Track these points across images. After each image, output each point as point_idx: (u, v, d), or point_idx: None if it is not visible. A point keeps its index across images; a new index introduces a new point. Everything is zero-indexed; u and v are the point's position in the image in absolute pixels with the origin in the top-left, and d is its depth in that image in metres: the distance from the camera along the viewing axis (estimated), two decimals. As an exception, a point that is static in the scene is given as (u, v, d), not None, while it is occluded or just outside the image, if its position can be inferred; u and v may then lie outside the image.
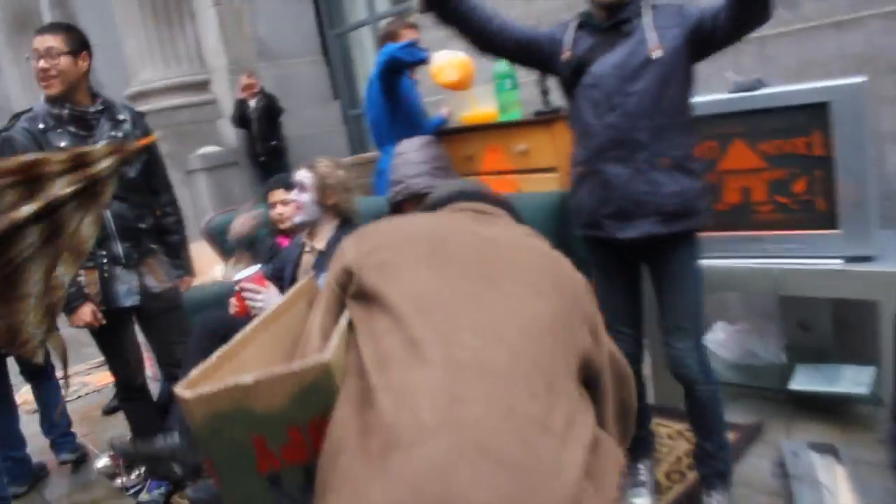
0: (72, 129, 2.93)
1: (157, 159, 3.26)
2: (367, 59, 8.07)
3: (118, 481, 3.47)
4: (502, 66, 3.74)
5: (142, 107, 7.78)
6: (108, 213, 3.03)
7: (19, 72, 11.81)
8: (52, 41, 2.86)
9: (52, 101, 2.94)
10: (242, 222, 3.48)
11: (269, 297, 2.67)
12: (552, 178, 3.50)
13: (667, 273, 2.33)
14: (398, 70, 3.77)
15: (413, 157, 2.95)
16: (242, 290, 2.69)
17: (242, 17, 8.00)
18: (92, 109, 3.02)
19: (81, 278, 3.06)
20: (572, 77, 2.32)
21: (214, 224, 4.21)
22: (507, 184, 3.73)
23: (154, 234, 3.20)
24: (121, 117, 3.10)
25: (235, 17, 7.99)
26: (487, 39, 2.37)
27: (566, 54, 2.32)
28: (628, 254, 2.41)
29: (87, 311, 3.05)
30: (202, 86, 8.26)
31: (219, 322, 2.99)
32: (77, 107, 2.98)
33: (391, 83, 3.83)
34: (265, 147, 7.69)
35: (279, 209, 3.63)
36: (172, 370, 3.28)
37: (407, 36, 3.95)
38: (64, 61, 2.92)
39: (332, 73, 8.56)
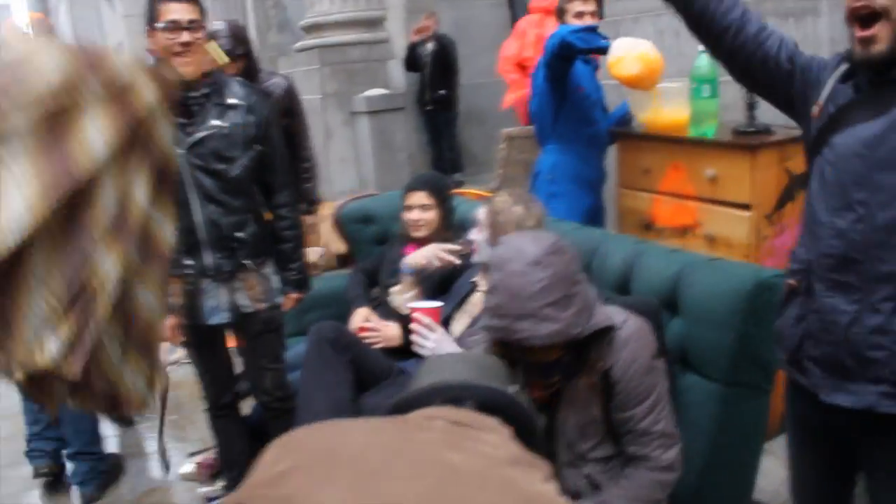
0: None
1: (275, 149, 2.74)
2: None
3: (200, 490, 3.14)
4: (703, 62, 3.01)
5: (317, 39, 7.68)
6: (199, 218, 2.59)
7: None
8: (194, 13, 2.47)
9: None
10: (424, 255, 2.96)
11: (441, 342, 2.40)
12: (742, 216, 2.86)
13: (888, 476, 1.58)
14: (570, 58, 3.17)
15: (521, 282, 1.74)
16: (416, 321, 2.43)
17: None
18: (194, 93, 2.54)
19: None
20: (815, 143, 1.66)
21: (346, 211, 3.75)
22: (685, 211, 3.11)
23: (256, 244, 2.73)
24: (231, 101, 2.62)
25: None
26: (714, 36, 1.76)
27: (816, 108, 1.65)
28: (841, 425, 1.67)
29: (166, 325, 2.65)
30: (377, 23, 7.90)
31: (337, 331, 2.65)
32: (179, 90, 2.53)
33: (560, 72, 3.23)
34: (434, 95, 7.24)
35: (416, 215, 3.11)
36: (262, 397, 2.86)
37: (576, 8, 3.33)
38: (203, 36, 2.51)
39: (516, 19, 7.90)
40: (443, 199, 3.15)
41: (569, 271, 1.74)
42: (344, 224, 3.74)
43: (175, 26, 2.43)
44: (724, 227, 2.92)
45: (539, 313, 1.67)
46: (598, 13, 3.43)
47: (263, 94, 2.85)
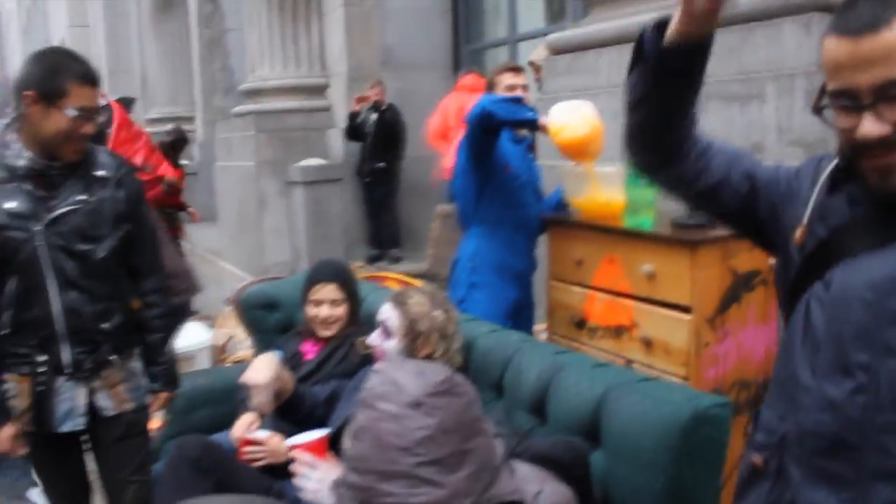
0: (28, 186, 2.22)
1: (146, 228, 2.43)
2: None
3: None
4: None
5: (255, 105, 7.57)
6: (57, 307, 2.23)
7: (157, 48, 11.65)
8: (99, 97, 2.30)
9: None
10: (264, 383, 2.46)
11: (326, 480, 1.76)
12: (682, 319, 2.56)
13: None
14: (493, 131, 2.91)
15: (394, 428, 1.32)
16: (296, 461, 1.90)
17: (371, 21, 7.36)
18: (56, 162, 2.23)
19: (9, 386, 2.23)
20: (800, 276, 1.24)
21: (248, 295, 3.37)
22: (621, 310, 2.80)
23: (122, 336, 2.36)
24: (100, 173, 2.30)
25: (363, 21, 7.36)
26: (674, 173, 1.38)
27: (799, 232, 1.25)
28: None
29: (3, 435, 2.21)
30: (319, 90, 7.74)
31: (202, 450, 2.26)
32: (41, 158, 2.23)
33: (483, 147, 2.97)
34: (374, 166, 6.95)
35: (326, 311, 2.77)
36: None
37: (506, 81, 3.10)
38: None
39: (461, 93, 7.75)
40: (353, 291, 2.81)
41: (463, 419, 1.32)
42: (245, 310, 3.35)
43: (87, 115, 2.19)
44: (662, 330, 2.62)
45: (415, 473, 1.26)
46: (527, 88, 3.18)
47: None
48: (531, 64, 4.57)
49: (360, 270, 6.47)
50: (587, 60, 3.55)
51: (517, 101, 2.87)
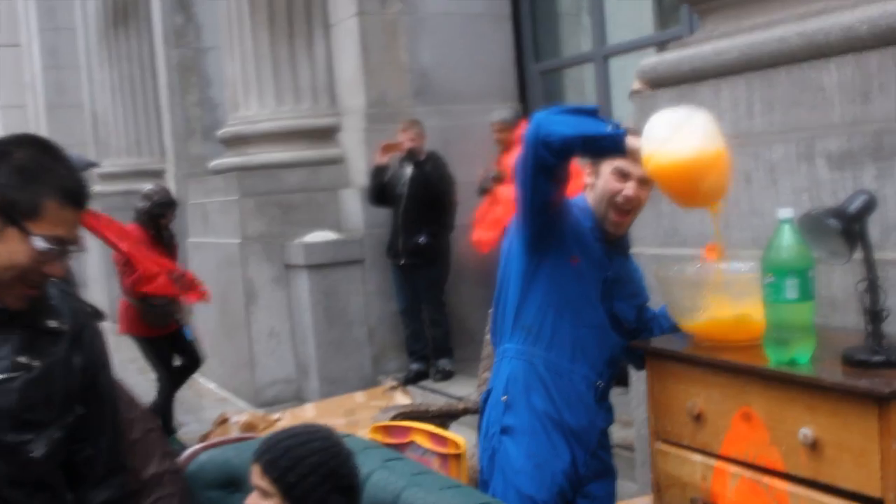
0: None
1: (106, 410, 2.46)
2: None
3: None
4: (787, 236, 2.57)
5: (238, 157, 7.70)
6: None
7: (110, 77, 11.91)
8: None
9: None
10: None
11: None
12: None
13: None
14: (553, 164, 2.79)
15: None
16: None
17: (397, 34, 7.43)
18: None
19: None
20: None
21: (197, 467, 3.18)
22: (765, 496, 2.64)
23: None
24: (51, 324, 2.31)
25: (387, 35, 7.44)
26: None
27: None
28: None
29: None
30: (326, 134, 7.81)
31: None
32: None
33: (539, 195, 2.88)
34: (411, 242, 6.85)
35: (253, 501, 2.64)
36: None
37: (618, 164, 2.97)
38: None
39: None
40: (291, 487, 2.62)
41: None
42: (194, 490, 3.15)
43: (60, 249, 2.17)
44: None
45: None
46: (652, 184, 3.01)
47: (94, 311, 2.62)
48: (635, 94, 4.36)
49: (391, 395, 6.29)
50: (701, 95, 3.40)
51: (591, 111, 2.75)
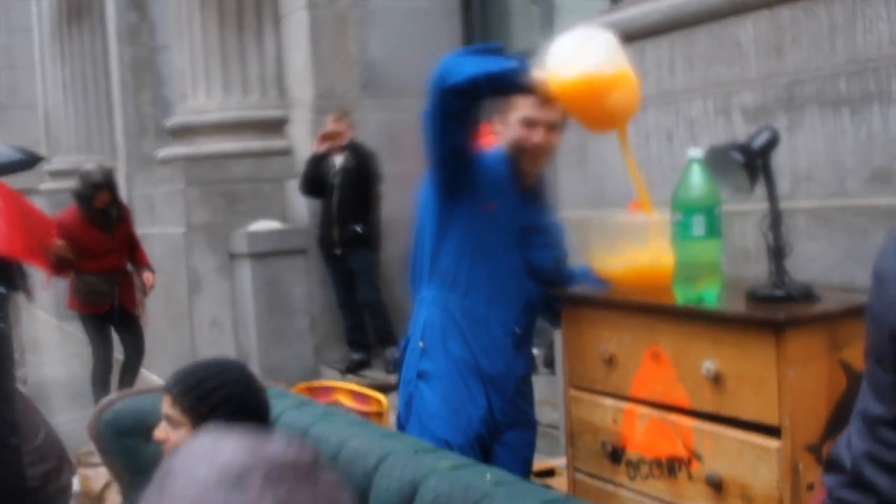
0: None
1: None
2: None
3: None
4: (696, 178, 2.63)
5: (184, 148, 7.71)
6: None
7: (62, 74, 11.85)
8: None
9: None
10: None
11: None
12: (768, 447, 2.44)
13: None
14: (461, 109, 2.77)
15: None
16: None
17: (347, 27, 7.45)
18: None
19: None
20: None
21: (111, 416, 3.15)
22: (672, 434, 2.68)
23: None
24: None
25: (336, 27, 7.45)
26: None
27: None
28: None
29: None
30: (274, 125, 7.82)
31: None
32: None
33: (448, 145, 2.87)
34: (345, 232, 6.81)
35: (160, 432, 2.62)
36: None
37: (526, 113, 2.98)
38: None
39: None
40: (202, 417, 2.61)
41: None
42: (106, 438, 3.14)
43: None
44: (738, 465, 2.49)
45: None
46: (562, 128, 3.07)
47: None
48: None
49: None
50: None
51: (494, 49, 2.77)
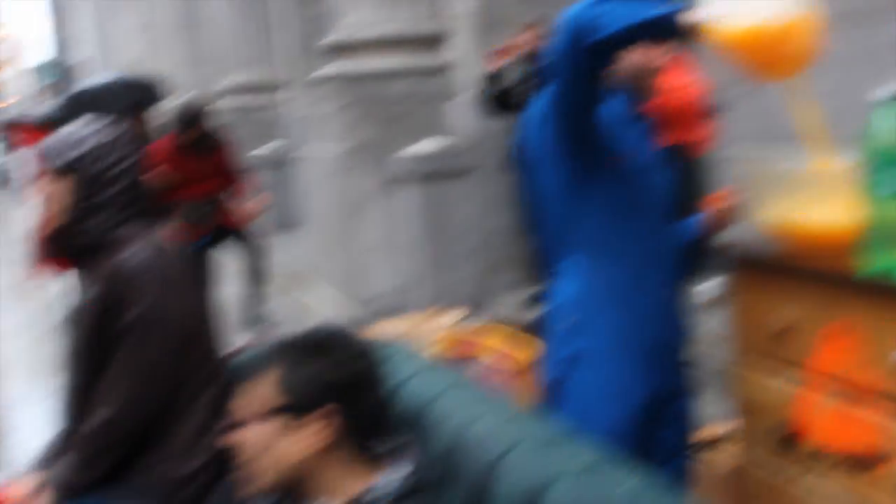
0: None
1: None
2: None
3: None
4: (889, 121, 2.29)
5: (340, 66, 7.63)
6: None
7: None
8: None
9: None
10: None
11: None
12: None
13: None
14: (598, 60, 2.45)
15: None
16: None
17: None
18: None
19: None
20: None
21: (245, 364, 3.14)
22: (860, 424, 2.41)
23: None
24: None
25: None
26: None
27: None
28: None
29: None
30: (432, 42, 7.61)
31: None
32: None
33: (580, 99, 2.54)
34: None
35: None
36: None
37: None
38: None
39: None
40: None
41: None
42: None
43: None
44: None
45: None
46: None
47: None
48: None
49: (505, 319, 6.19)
50: None
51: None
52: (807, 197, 2.54)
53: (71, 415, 2.93)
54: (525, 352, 3.47)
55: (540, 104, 2.68)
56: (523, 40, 6.58)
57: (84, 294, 2.82)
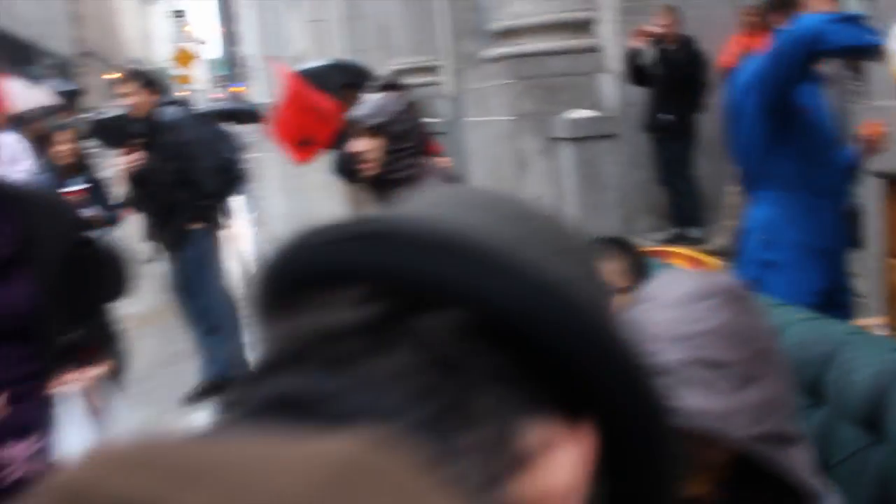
0: None
1: None
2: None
3: None
4: None
5: (507, 48, 7.83)
6: None
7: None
8: None
9: None
10: None
11: None
12: None
13: None
14: (814, 60, 2.91)
15: (668, 317, 1.36)
16: None
17: None
18: None
19: None
20: None
21: None
22: None
23: None
24: None
25: None
26: None
27: None
28: None
29: None
30: (585, 26, 7.81)
31: None
32: None
33: (792, 82, 2.94)
34: (661, 119, 6.86)
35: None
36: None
37: (818, 7, 3.00)
38: None
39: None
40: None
41: (752, 336, 1.29)
42: None
43: None
44: None
45: (686, 370, 1.23)
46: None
47: None
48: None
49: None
50: None
51: (855, 19, 2.80)
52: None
53: None
54: (710, 260, 3.76)
55: (749, 75, 3.07)
56: (659, 24, 6.84)
57: None
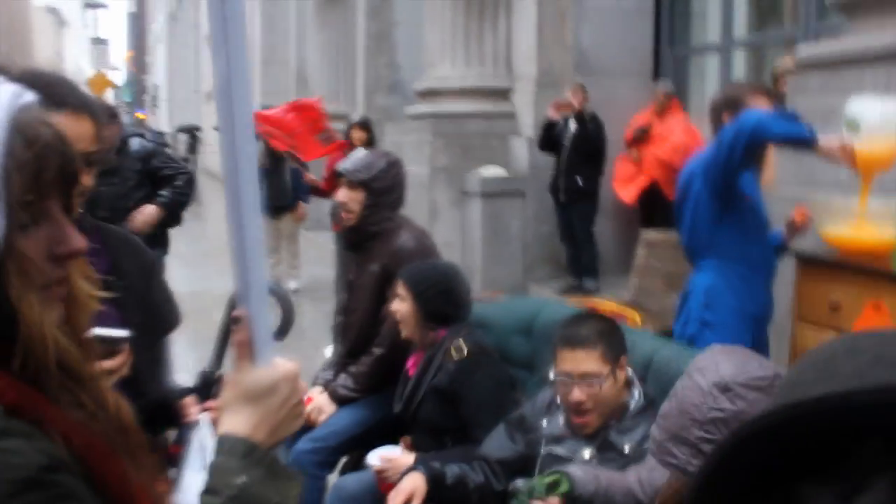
0: None
1: None
2: (707, 90, 7.31)
3: None
4: None
5: (429, 107, 7.83)
6: None
7: (319, 39, 12.14)
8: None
9: None
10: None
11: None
12: None
13: None
14: (756, 150, 3.02)
15: (695, 399, 1.60)
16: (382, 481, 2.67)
17: (565, 20, 7.48)
18: None
19: None
20: None
21: None
22: None
23: None
24: None
25: (557, 20, 7.49)
26: None
27: None
28: None
29: None
30: (502, 94, 7.92)
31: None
32: None
33: (738, 170, 3.01)
34: (569, 183, 6.96)
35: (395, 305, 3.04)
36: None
37: (759, 105, 3.12)
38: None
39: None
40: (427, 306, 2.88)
41: None
42: None
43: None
44: None
45: (698, 446, 1.55)
46: None
47: None
48: (776, 74, 4.63)
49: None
50: (846, 79, 3.54)
51: (792, 115, 2.94)
52: (856, 222, 3.00)
53: (346, 345, 3.26)
54: (633, 313, 3.87)
55: (696, 163, 3.18)
56: (575, 99, 6.95)
57: (363, 267, 3.17)
